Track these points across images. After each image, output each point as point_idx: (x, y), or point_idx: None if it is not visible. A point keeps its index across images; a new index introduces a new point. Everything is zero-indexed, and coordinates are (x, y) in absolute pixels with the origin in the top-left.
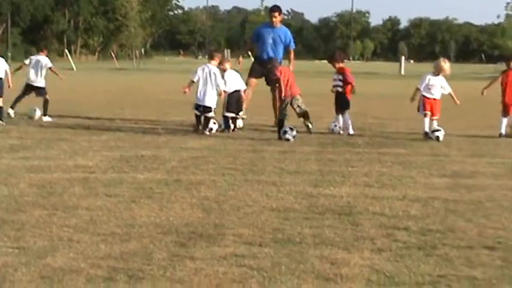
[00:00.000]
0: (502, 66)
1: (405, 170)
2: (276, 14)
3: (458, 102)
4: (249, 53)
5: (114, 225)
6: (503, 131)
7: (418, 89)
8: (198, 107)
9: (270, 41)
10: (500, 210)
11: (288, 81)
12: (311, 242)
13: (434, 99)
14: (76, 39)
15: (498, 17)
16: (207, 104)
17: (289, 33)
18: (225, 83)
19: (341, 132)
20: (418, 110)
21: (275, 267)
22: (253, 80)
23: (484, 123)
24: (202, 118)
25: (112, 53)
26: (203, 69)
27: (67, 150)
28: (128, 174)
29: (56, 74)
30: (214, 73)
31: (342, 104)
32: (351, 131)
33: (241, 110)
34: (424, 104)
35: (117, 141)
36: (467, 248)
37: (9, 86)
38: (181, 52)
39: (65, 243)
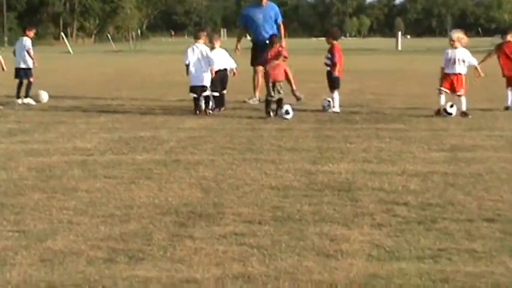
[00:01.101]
0: (498, 39)
1: (404, 145)
2: None
3: (482, 74)
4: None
5: (114, 206)
6: (509, 103)
7: (442, 68)
8: (194, 88)
9: (261, 19)
10: (499, 183)
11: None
12: (311, 219)
13: (454, 74)
14: (72, 22)
15: None
16: (204, 83)
17: (276, 7)
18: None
19: (333, 110)
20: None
21: (275, 244)
22: (259, 67)
23: (482, 96)
24: (202, 98)
25: (108, 35)
26: (193, 50)
27: (65, 133)
28: (126, 156)
29: (31, 58)
30: (204, 51)
31: (330, 82)
32: (337, 109)
33: (224, 89)
34: (441, 80)
35: (115, 123)
36: (467, 221)
37: (3, 69)
38: (173, 33)
39: (64, 226)
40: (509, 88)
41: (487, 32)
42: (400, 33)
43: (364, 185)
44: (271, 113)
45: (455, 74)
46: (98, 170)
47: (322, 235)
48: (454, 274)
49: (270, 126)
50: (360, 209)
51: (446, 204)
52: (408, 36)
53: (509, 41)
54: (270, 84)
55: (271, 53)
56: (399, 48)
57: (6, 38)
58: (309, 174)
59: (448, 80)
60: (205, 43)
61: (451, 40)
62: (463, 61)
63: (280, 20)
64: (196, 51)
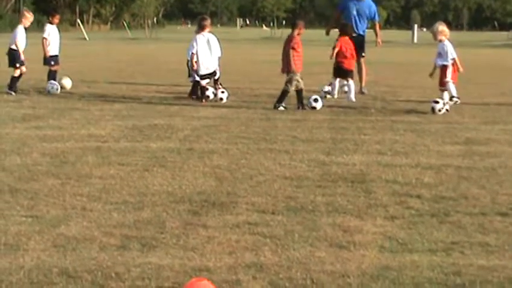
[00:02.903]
0: None
1: (418, 137)
2: None
3: (461, 69)
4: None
5: (127, 193)
6: None
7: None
8: (204, 76)
9: (355, 13)
10: None
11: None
12: (324, 210)
13: (439, 67)
14: (88, 8)
15: None
16: (212, 69)
17: (373, 6)
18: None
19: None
20: None
21: (288, 235)
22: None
23: (496, 90)
24: (204, 82)
25: (124, 23)
26: (200, 39)
27: (80, 119)
28: (140, 143)
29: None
30: (211, 40)
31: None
32: (353, 98)
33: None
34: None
35: (129, 110)
36: (481, 214)
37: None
38: (184, 21)
39: (78, 212)
40: None
41: (503, 26)
42: (416, 26)
43: (377, 177)
44: (280, 107)
45: (440, 67)
46: (111, 157)
47: (335, 226)
48: (467, 267)
49: (284, 116)
50: (373, 200)
51: (459, 198)
52: (424, 29)
53: None
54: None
55: (287, 42)
56: (415, 41)
57: None
58: (323, 165)
59: (439, 73)
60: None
61: (437, 33)
62: (447, 53)
63: (377, 19)
64: (203, 39)
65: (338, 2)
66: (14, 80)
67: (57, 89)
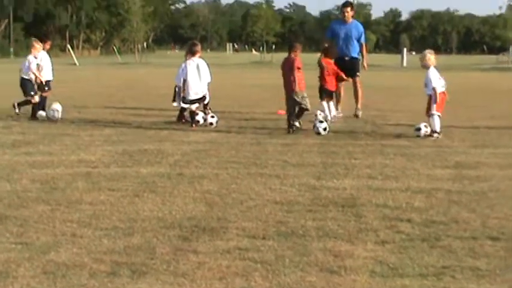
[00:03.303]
0: (503, 57)
1: (408, 161)
2: (348, 9)
3: (438, 100)
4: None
5: (117, 219)
6: None
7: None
8: (194, 101)
9: (343, 36)
10: (504, 201)
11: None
12: (314, 235)
13: (427, 95)
14: (78, 34)
15: (500, 8)
16: (201, 94)
17: (361, 27)
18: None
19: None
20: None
21: (279, 260)
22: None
23: (486, 113)
24: (194, 107)
25: (114, 48)
26: (190, 65)
27: (70, 145)
28: (130, 169)
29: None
30: (201, 65)
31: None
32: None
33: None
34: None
35: (119, 136)
36: (471, 238)
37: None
38: (173, 46)
39: (68, 238)
40: None
41: (492, 50)
42: (405, 49)
43: (368, 201)
44: (292, 130)
45: (429, 95)
46: (102, 183)
47: (325, 251)
48: None
49: (275, 140)
50: (364, 225)
51: (450, 222)
52: (413, 53)
53: None
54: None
55: (287, 62)
56: (404, 64)
57: (12, 49)
58: (314, 190)
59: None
60: (200, 56)
61: (422, 60)
62: (430, 81)
63: (363, 41)
64: (193, 64)
65: (326, 26)
66: (27, 103)
67: (58, 116)
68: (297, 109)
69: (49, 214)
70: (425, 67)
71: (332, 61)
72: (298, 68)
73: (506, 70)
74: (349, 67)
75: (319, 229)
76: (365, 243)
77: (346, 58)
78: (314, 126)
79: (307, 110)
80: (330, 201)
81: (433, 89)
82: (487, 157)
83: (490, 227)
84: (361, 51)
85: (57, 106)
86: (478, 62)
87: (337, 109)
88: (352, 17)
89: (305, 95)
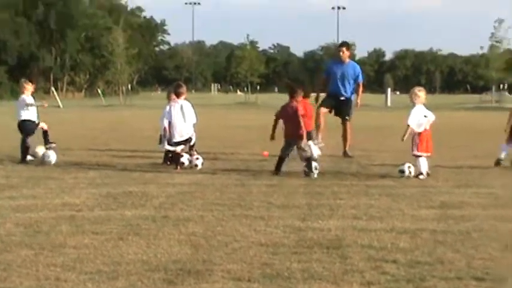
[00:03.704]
0: (486, 96)
1: (393, 202)
2: (344, 49)
3: (404, 138)
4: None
5: (101, 263)
6: (502, 157)
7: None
8: (179, 143)
9: (340, 76)
10: (488, 241)
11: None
12: (300, 277)
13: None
14: (62, 76)
15: (482, 48)
16: (187, 136)
17: (357, 67)
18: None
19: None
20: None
21: None
22: (323, 109)
23: (469, 153)
24: (179, 149)
25: (98, 90)
26: (174, 107)
27: (54, 188)
28: (115, 211)
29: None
30: (185, 107)
31: None
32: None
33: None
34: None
35: (104, 178)
36: (456, 279)
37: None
38: (157, 87)
39: (51, 283)
40: (510, 145)
41: (475, 89)
42: (389, 89)
43: (353, 242)
44: (279, 173)
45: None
46: (86, 226)
47: None
48: None
49: (259, 182)
50: (349, 266)
51: (435, 262)
52: (397, 93)
53: None
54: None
55: (289, 108)
56: (389, 104)
57: None
58: (299, 231)
59: None
60: (186, 98)
61: (410, 96)
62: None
63: (360, 80)
64: (177, 106)
65: (310, 66)
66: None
67: (53, 160)
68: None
69: (32, 258)
70: (413, 104)
71: (307, 100)
72: (302, 116)
73: (489, 109)
74: (343, 107)
75: (304, 271)
76: (351, 284)
77: (342, 98)
78: (305, 169)
79: (309, 158)
80: (315, 242)
81: (407, 125)
82: (470, 197)
83: (474, 267)
84: (357, 90)
85: (39, 149)
86: (461, 102)
87: (317, 139)
88: (349, 57)
89: (309, 142)
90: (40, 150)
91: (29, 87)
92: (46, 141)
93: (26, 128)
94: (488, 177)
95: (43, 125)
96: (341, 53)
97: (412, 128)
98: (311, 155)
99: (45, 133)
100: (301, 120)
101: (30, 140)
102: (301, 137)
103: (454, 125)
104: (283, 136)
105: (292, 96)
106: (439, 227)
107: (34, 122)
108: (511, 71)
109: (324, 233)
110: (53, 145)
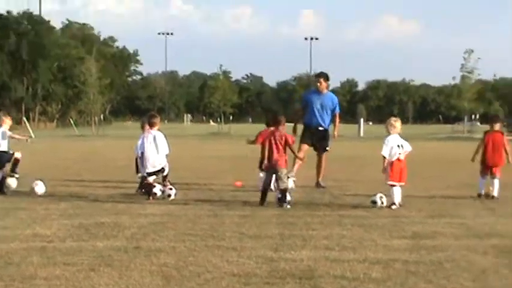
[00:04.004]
0: (458, 126)
1: (365, 232)
2: (321, 80)
3: (382, 170)
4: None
5: None
6: (482, 192)
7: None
8: (151, 173)
9: (318, 106)
10: (459, 271)
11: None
12: None
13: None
14: (34, 106)
15: (453, 78)
16: (159, 167)
17: (335, 98)
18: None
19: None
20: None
21: None
22: (305, 146)
23: (442, 183)
24: (151, 179)
25: (71, 120)
26: (147, 138)
27: (25, 219)
28: (86, 242)
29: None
30: (158, 138)
31: None
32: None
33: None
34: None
35: (75, 209)
36: None
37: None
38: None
39: None
40: (486, 176)
41: (448, 120)
42: (362, 119)
43: (326, 272)
44: (264, 203)
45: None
46: (57, 257)
47: None
48: None
49: (232, 212)
50: None
51: None
52: (370, 123)
53: (496, 131)
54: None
55: (272, 136)
56: (361, 134)
57: None
58: (271, 262)
59: None
60: (159, 129)
61: (386, 125)
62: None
63: (337, 111)
64: (150, 137)
65: (283, 96)
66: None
67: (43, 191)
68: (275, 185)
69: None
70: (389, 134)
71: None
72: (289, 144)
73: (461, 139)
74: (320, 138)
75: None
76: None
77: (320, 128)
78: (279, 200)
79: (286, 189)
80: (288, 273)
81: (383, 156)
82: (443, 227)
83: None
84: (334, 121)
85: (11, 180)
86: (434, 132)
87: (292, 171)
88: (326, 87)
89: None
90: (12, 181)
91: (8, 121)
92: (13, 169)
93: (1, 159)
94: (461, 207)
95: (18, 155)
96: (318, 84)
97: (387, 158)
98: (287, 186)
99: (16, 162)
100: (292, 148)
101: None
102: (284, 165)
103: (427, 156)
104: (264, 167)
105: (276, 124)
106: (412, 257)
107: (8, 152)
108: (482, 101)
109: (296, 264)
110: (16, 175)
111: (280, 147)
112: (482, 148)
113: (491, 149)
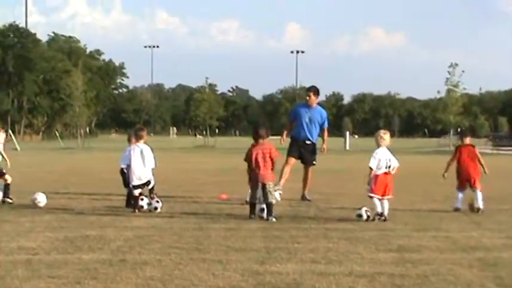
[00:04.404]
0: (444, 140)
1: (351, 245)
2: (311, 93)
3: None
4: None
5: None
6: (459, 206)
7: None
8: (137, 186)
9: (307, 120)
10: (445, 284)
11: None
12: None
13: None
14: (20, 119)
15: (438, 92)
16: (145, 180)
17: (324, 112)
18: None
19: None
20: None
21: None
22: (292, 159)
23: (428, 197)
24: (137, 192)
25: (56, 133)
26: (134, 150)
27: (10, 231)
28: (72, 255)
29: None
30: (145, 151)
31: None
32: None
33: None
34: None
35: (60, 222)
36: None
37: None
38: (115, 130)
39: None
40: (464, 191)
41: (433, 133)
42: (348, 133)
43: (311, 286)
44: (253, 216)
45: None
46: (42, 270)
47: None
48: None
49: (218, 225)
50: None
51: None
52: (356, 136)
53: (468, 144)
54: (259, 185)
55: (258, 150)
56: (347, 147)
57: None
58: (257, 275)
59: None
60: (145, 142)
61: (375, 138)
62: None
63: (326, 126)
64: (137, 150)
65: (269, 109)
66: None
67: (44, 203)
68: (262, 199)
69: None
70: (378, 146)
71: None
72: (272, 158)
73: (447, 153)
74: (308, 152)
75: None
76: None
77: (308, 142)
78: (265, 213)
79: (271, 202)
80: (273, 286)
81: (370, 168)
82: (428, 240)
83: None
84: (323, 135)
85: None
86: (420, 145)
87: (278, 184)
88: (318, 102)
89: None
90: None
91: (1, 134)
92: (6, 195)
93: None
94: (446, 221)
95: (8, 179)
96: (308, 97)
97: (374, 170)
98: (273, 199)
99: (7, 186)
100: (273, 161)
101: None
102: (272, 179)
103: (413, 169)
104: (252, 182)
105: (261, 138)
106: (397, 271)
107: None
108: (468, 115)
109: (282, 277)
110: (10, 201)
111: (268, 159)
112: (456, 163)
113: (464, 162)
